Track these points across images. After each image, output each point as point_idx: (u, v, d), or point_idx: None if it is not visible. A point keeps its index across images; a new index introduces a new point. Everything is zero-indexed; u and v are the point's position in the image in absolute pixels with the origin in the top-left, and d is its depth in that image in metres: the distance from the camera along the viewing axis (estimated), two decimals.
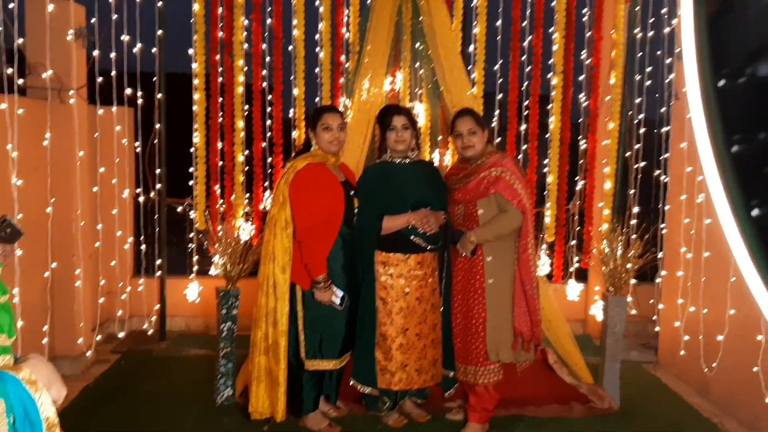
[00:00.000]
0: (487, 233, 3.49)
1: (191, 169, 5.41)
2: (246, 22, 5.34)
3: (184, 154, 5.41)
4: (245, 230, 5.23)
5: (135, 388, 4.34)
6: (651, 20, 5.23)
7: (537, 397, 4.09)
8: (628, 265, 4.13)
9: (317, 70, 5.47)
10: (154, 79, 5.15)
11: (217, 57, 5.35)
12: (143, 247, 5.37)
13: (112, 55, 4.74)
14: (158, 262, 5.32)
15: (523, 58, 5.47)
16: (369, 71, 4.49)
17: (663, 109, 5.28)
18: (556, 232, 5.62)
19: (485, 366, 3.58)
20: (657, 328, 5.18)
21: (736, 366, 4.00)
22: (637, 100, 5.40)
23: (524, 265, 3.53)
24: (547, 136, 5.57)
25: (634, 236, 4.37)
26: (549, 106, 5.54)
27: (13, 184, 3.89)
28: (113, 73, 4.77)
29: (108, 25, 4.73)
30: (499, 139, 5.61)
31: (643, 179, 5.42)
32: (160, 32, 5.08)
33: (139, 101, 5.09)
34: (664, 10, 5.09)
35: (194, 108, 5.35)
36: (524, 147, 5.55)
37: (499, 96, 5.59)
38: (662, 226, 5.11)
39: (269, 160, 5.50)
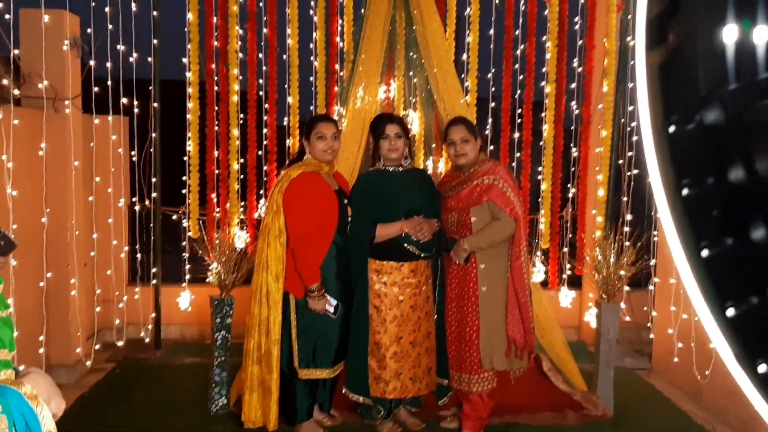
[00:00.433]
0: (479, 241, 3.51)
1: (185, 178, 5.43)
2: (240, 31, 5.36)
3: (178, 162, 5.43)
4: (240, 238, 5.25)
5: (130, 397, 4.35)
6: None
7: (531, 404, 4.10)
8: (621, 272, 4.16)
9: (312, 78, 5.50)
10: (150, 87, 5.17)
11: (213, 66, 5.38)
12: (138, 255, 5.38)
13: (108, 64, 4.77)
14: (153, 270, 5.33)
15: (516, 66, 5.51)
16: (363, 80, 4.51)
17: None
18: (551, 239, 5.64)
19: (479, 374, 3.60)
20: (651, 335, 5.20)
21: (728, 373, 4.01)
22: (630, 108, 5.43)
23: (517, 272, 3.56)
24: (540, 143, 5.60)
25: (627, 243, 4.39)
26: (542, 114, 5.57)
27: (9, 194, 3.90)
28: (109, 82, 4.79)
29: (103, 34, 4.76)
30: (492, 147, 5.63)
31: (635, 187, 5.44)
32: (155, 42, 5.11)
33: (135, 110, 5.12)
34: None
35: (188, 117, 5.37)
36: (518, 155, 5.58)
37: (492, 104, 5.62)
38: (655, 233, 5.14)
39: (264, 168, 5.52)
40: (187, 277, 5.51)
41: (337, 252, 3.53)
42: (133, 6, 4.88)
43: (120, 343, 5.14)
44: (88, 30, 4.72)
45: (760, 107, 0.49)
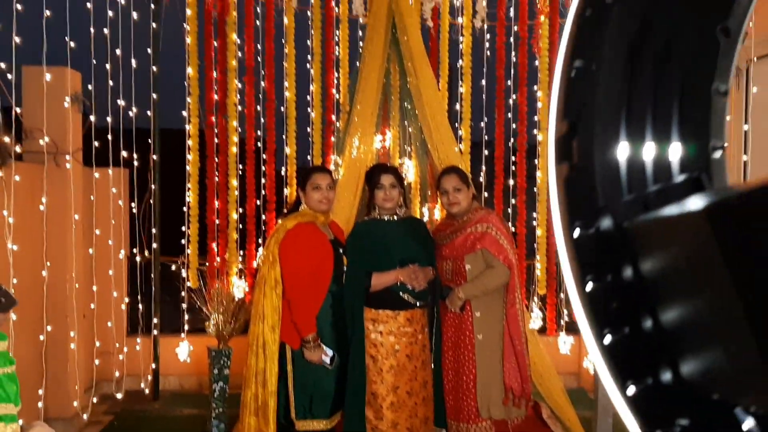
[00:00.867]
0: (474, 289, 3.54)
1: (184, 228, 5.49)
2: (239, 84, 5.49)
3: (178, 212, 5.49)
4: (238, 287, 5.28)
5: None
6: None
7: None
8: None
9: (309, 129, 5.61)
10: (150, 140, 5.27)
11: (213, 118, 5.49)
12: (139, 306, 5.40)
13: (108, 118, 4.88)
14: (155, 321, 5.34)
15: (510, 114, 5.61)
16: (359, 130, 4.61)
17: None
18: (548, 285, 5.66)
19: (477, 423, 3.59)
20: None
21: None
22: None
23: (513, 320, 3.58)
24: (535, 189, 5.67)
25: None
26: (536, 161, 5.66)
27: (9, 248, 3.95)
28: (109, 136, 4.89)
29: (104, 89, 4.88)
30: (486, 194, 5.70)
31: None
32: (154, 96, 5.23)
33: (135, 163, 5.21)
34: None
35: (188, 168, 5.46)
36: (513, 201, 5.64)
37: (486, 152, 5.71)
38: None
39: (263, 217, 5.58)
40: (186, 327, 5.52)
41: (333, 301, 3.56)
42: (134, 62, 5.02)
43: (119, 395, 5.12)
44: (89, 86, 4.84)
45: (641, 219, 0.56)
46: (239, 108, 5.52)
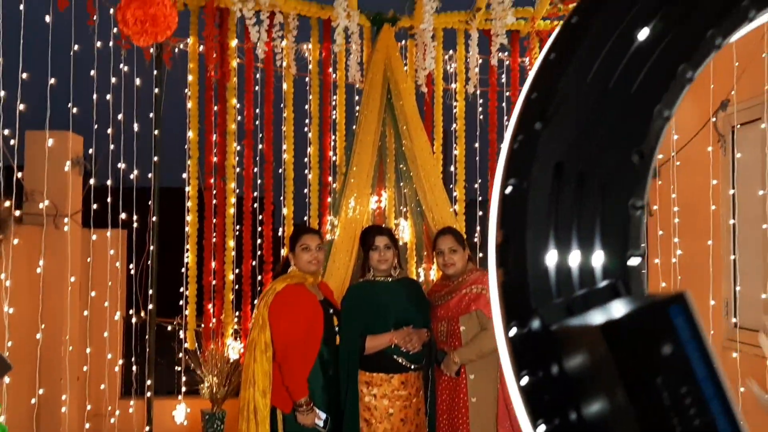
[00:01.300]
0: (470, 353, 3.54)
1: (182, 289, 5.49)
2: (238, 147, 5.59)
3: (174, 273, 5.51)
4: (234, 349, 5.25)
5: None
6: None
7: None
8: None
9: (306, 190, 5.68)
10: (150, 202, 5.33)
11: (211, 180, 5.56)
12: (134, 368, 5.36)
13: (109, 182, 4.94)
14: (148, 383, 5.29)
15: None
16: (354, 191, 4.68)
17: None
18: None
19: None
20: None
21: None
22: None
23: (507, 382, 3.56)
24: None
25: None
26: None
27: (5, 312, 3.96)
28: (109, 199, 4.95)
29: (105, 153, 4.96)
30: (481, 255, 5.73)
31: None
32: (155, 158, 5.32)
33: (134, 225, 5.25)
34: None
35: (187, 229, 5.51)
36: None
37: (480, 213, 5.78)
38: None
39: (259, 278, 5.60)
40: (183, 389, 5.46)
41: (323, 363, 3.53)
42: (136, 126, 5.12)
43: None
44: (90, 150, 4.92)
45: (564, 323, 0.64)
46: (237, 170, 5.60)
